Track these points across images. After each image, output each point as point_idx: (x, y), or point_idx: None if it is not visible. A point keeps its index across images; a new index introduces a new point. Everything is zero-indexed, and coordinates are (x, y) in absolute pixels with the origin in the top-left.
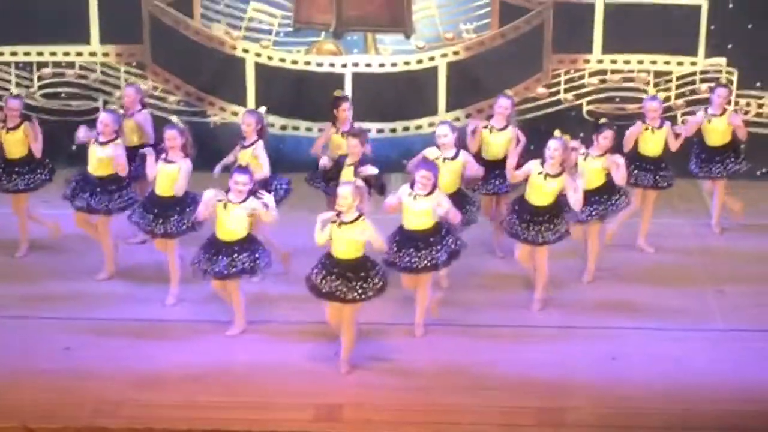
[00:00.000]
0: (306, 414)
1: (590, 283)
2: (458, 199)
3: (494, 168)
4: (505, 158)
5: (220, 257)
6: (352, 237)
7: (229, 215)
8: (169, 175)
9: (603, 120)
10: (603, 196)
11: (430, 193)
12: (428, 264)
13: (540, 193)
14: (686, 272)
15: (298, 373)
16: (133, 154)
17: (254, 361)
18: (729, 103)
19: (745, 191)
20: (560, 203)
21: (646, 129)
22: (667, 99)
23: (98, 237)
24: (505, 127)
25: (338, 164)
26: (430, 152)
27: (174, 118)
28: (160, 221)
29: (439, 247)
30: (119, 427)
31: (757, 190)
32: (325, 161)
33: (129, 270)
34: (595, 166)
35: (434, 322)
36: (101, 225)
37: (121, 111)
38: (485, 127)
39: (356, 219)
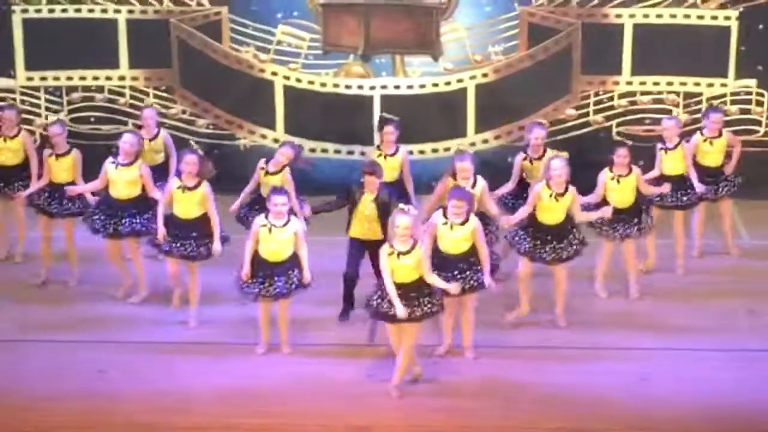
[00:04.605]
0: None
1: (620, 302)
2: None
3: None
4: None
5: (276, 278)
6: (410, 264)
7: (276, 238)
8: (191, 199)
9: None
10: (633, 217)
11: (465, 220)
12: (473, 285)
13: (552, 212)
14: (716, 292)
15: (329, 394)
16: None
17: (284, 383)
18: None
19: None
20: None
21: (662, 149)
22: (697, 121)
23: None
24: (543, 153)
25: (351, 192)
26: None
27: (193, 143)
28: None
29: (479, 267)
30: None
31: None
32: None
33: (157, 292)
34: (627, 185)
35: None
36: (132, 248)
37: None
38: (525, 159)
39: (413, 248)
